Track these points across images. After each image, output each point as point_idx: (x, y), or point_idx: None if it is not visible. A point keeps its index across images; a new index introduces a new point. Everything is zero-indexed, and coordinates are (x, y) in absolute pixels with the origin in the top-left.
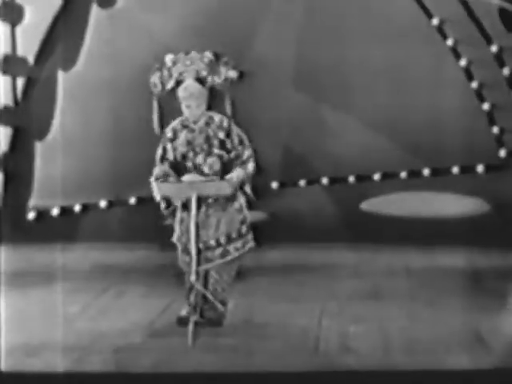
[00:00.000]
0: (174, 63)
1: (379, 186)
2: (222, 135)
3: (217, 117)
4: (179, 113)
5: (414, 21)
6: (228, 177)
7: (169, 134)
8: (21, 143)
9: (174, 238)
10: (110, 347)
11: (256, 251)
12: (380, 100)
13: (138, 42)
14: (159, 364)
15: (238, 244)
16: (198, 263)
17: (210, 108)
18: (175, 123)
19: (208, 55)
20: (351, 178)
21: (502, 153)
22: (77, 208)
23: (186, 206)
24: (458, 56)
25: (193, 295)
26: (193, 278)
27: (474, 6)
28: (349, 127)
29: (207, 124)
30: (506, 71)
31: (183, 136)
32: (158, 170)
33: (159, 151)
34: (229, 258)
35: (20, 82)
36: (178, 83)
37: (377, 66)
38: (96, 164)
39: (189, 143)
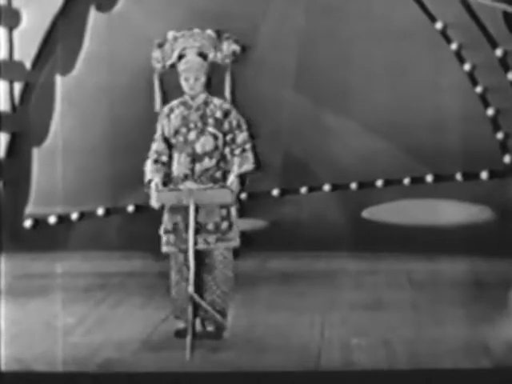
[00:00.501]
0: (176, 39)
1: (381, 193)
2: (219, 114)
3: (218, 100)
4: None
5: (417, 25)
6: (228, 183)
7: (166, 110)
8: (18, 149)
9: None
10: (106, 361)
11: (256, 259)
12: (382, 105)
13: (136, 46)
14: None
15: (210, 238)
16: (198, 272)
17: (209, 87)
18: (174, 102)
19: (210, 32)
20: (353, 185)
21: (507, 159)
22: (74, 216)
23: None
24: (461, 60)
25: (190, 306)
26: (191, 288)
27: (478, 10)
28: (351, 133)
29: (206, 103)
30: (510, 76)
31: (178, 111)
32: (155, 146)
33: (158, 128)
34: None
35: (17, 87)
36: (180, 58)
37: (379, 71)
38: (94, 171)
39: (183, 118)
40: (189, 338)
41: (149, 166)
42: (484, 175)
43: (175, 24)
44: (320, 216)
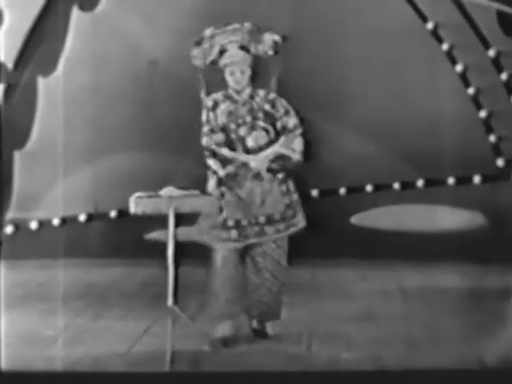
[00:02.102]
0: (214, 35)
1: (371, 198)
2: (267, 107)
3: (262, 91)
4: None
5: (409, 25)
6: (265, 152)
7: (209, 102)
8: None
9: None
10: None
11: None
12: (372, 108)
13: (119, 46)
14: None
15: (280, 226)
16: (176, 282)
17: (254, 80)
18: (217, 94)
19: (249, 25)
20: (342, 190)
21: (500, 162)
22: (55, 222)
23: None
24: (453, 61)
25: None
26: (170, 301)
27: (471, 10)
28: (339, 136)
29: (251, 97)
30: (503, 76)
31: (224, 106)
32: (209, 139)
33: (203, 118)
34: (264, 238)
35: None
36: (222, 53)
37: (369, 74)
38: (76, 174)
39: (230, 114)
40: (168, 350)
41: (212, 160)
42: (477, 179)
43: (159, 24)
44: (308, 222)
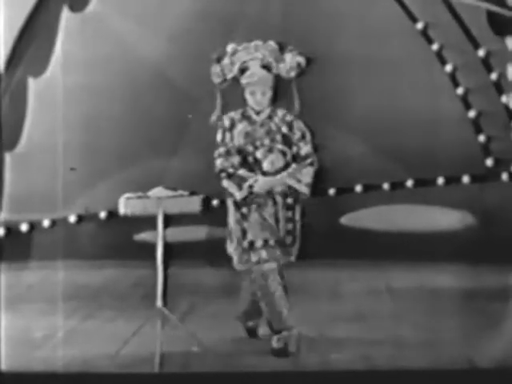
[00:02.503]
0: (236, 51)
1: (361, 199)
2: (284, 129)
3: (280, 111)
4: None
5: (399, 26)
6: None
7: (226, 121)
8: None
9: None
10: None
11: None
12: (360, 107)
13: (110, 47)
14: None
15: (275, 253)
16: (165, 283)
17: (274, 101)
18: (234, 113)
19: (272, 44)
20: (331, 191)
21: (489, 162)
22: (46, 223)
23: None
24: (443, 61)
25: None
26: (159, 303)
27: (461, 10)
28: (327, 136)
29: (270, 117)
30: (493, 76)
31: (242, 127)
32: (224, 161)
33: (218, 137)
34: (254, 261)
35: None
36: (242, 72)
37: (357, 73)
38: (66, 177)
39: (247, 135)
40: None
41: (227, 182)
42: (466, 179)
43: (150, 24)
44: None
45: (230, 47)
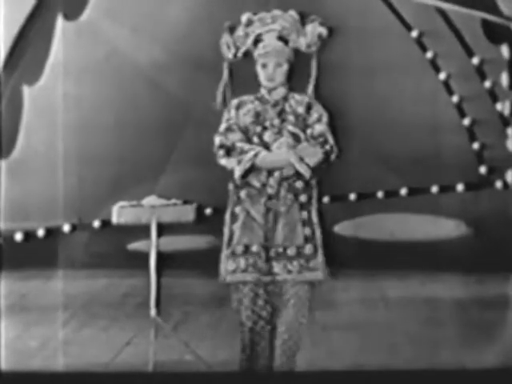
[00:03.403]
0: (251, 22)
1: (354, 207)
2: (301, 109)
3: (299, 96)
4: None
5: (392, 33)
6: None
7: (234, 102)
8: None
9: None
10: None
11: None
12: (355, 115)
13: (105, 55)
14: None
15: (293, 266)
16: (159, 292)
17: (290, 79)
18: (246, 97)
19: (293, 14)
20: (325, 199)
21: (483, 170)
22: (40, 232)
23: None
24: (437, 69)
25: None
26: (152, 312)
27: (455, 18)
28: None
29: (285, 98)
30: (487, 84)
31: (251, 106)
32: (223, 138)
33: (224, 116)
34: (267, 279)
35: None
36: (256, 43)
37: (349, 79)
38: (61, 185)
39: (257, 115)
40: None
41: (225, 160)
42: (460, 188)
43: (145, 33)
44: None
45: (244, 17)
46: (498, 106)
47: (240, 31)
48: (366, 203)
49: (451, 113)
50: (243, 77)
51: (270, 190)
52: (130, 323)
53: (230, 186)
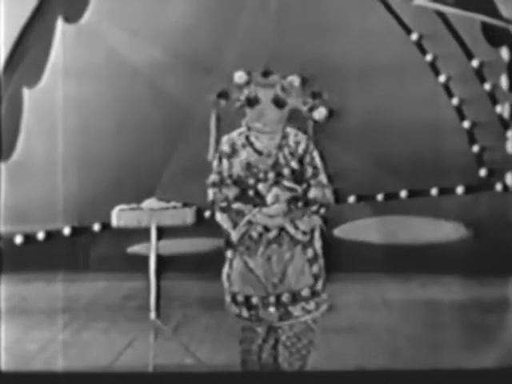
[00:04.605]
0: (247, 83)
1: (354, 210)
2: (294, 164)
3: (293, 137)
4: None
5: (392, 37)
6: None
7: (225, 146)
8: None
9: (224, 278)
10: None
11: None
12: (354, 117)
13: (105, 57)
14: None
15: (310, 306)
16: (158, 295)
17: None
18: (236, 135)
19: (295, 80)
20: None
21: (483, 172)
22: (40, 235)
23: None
24: (437, 72)
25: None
26: (152, 315)
27: (455, 21)
28: (322, 147)
29: (279, 146)
30: (487, 86)
31: (244, 156)
32: (217, 193)
33: (214, 164)
34: (289, 322)
35: None
36: (250, 102)
37: (350, 84)
38: (61, 187)
39: (249, 166)
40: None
41: (222, 217)
42: (460, 190)
43: (144, 36)
44: None
45: (238, 76)
46: (498, 109)
47: (235, 91)
48: (365, 206)
49: (451, 115)
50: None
51: (270, 235)
52: (130, 326)
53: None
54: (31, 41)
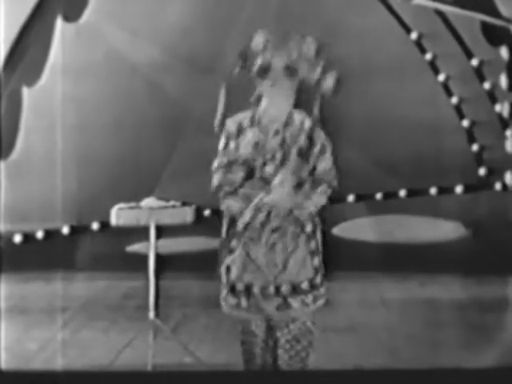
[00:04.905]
0: (265, 47)
1: (353, 209)
2: (302, 141)
3: (298, 115)
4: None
5: (392, 36)
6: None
7: (232, 127)
8: None
9: (222, 270)
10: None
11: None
12: (353, 117)
13: (104, 56)
14: None
15: (308, 298)
16: (157, 294)
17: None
18: (242, 115)
19: (310, 46)
20: None
21: (482, 171)
22: (39, 234)
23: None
24: (436, 71)
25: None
26: (151, 314)
27: (454, 20)
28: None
29: (286, 124)
30: (486, 86)
31: (251, 135)
32: (223, 177)
33: (221, 145)
34: (289, 314)
35: None
36: (263, 69)
37: (350, 82)
38: (60, 186)
39: (257, 146)
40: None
41: (229, 203)
42: (459, 189)
43: (143, 35)
44: None
45: (258, 39)
46: (497, 108)
47: (251, 57)
48: (364, 205)
49: (450, 114)
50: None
51: (274, 224)
52: (129, 325)
53: (225, 220)
54: (31, 40)
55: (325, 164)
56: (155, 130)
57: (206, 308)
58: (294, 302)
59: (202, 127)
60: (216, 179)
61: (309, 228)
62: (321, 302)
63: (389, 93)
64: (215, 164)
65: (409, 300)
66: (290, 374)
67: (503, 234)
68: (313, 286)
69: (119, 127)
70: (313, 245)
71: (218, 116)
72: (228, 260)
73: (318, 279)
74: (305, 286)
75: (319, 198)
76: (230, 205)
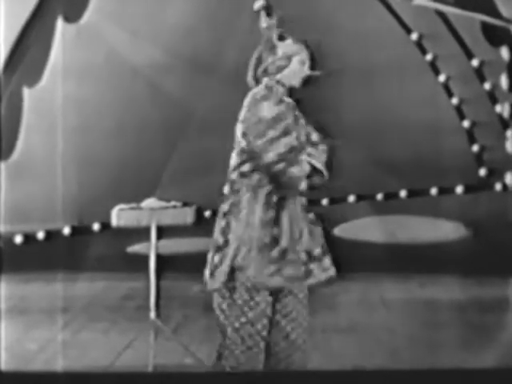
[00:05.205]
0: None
1: (354, 209)
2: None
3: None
4: None
5: (392, 36)
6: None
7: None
8: None
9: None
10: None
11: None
12: (353, 117)
13: (105, 57)
14: None
15: (321, 266)
16: (158, 295)
17: None
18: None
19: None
20: (324, 201)
21: (482, 172)
22: (40, 235)
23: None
24: (437, 71)
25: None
26: (152, 315)
27: (455, 20)
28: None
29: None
30: (487, 86)
31: (276, 108)
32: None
33: (255, 116)
34: (313, 281)
35: None
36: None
37: (350, 82)
38: (60, 187)
39: (279, 119)
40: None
41: (301, 169)
42: (459, 190)
43: (144, 36)
44: None
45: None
46: (498, 108)
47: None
48: (365, 205)
49: (451, 115)
50: None
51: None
52: (130, 326)
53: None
54: (31, 40)
55: (315, 134)
56: (156, 130)
57: (206, 309)
58: (316, 269)
59: (204, 128)
60: (273, 154)
61: (311, 216)
62: (331, 272)
63: (389, 93)
64: (263, 140)
65: (409, 300)
66: (290, 374)
67: (504, 235)
68: (324, 253)
69: (120, 128)
70: (311, 215)
71: (252, 66)
72: (275, 230)
73: (325, 247)
74: (317, 252)
75: (323, 157)
76: (296, 173)
